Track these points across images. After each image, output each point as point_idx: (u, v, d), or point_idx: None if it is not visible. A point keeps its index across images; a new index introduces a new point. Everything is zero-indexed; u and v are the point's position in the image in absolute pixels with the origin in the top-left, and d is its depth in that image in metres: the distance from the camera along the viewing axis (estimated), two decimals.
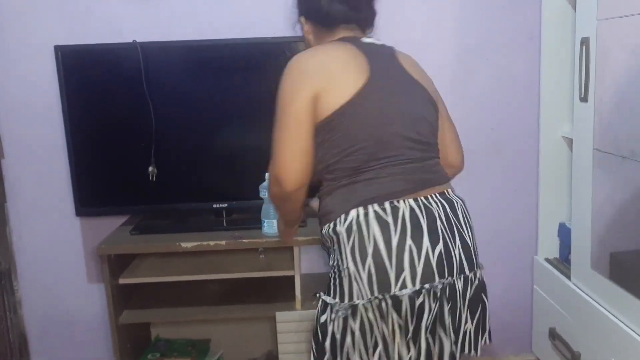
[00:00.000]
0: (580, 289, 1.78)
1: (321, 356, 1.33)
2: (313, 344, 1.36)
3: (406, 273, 1.23)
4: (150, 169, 1.88)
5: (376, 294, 1.24)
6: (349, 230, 1.27)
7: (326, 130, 1.30)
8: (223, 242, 1.79)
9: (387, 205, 1.26)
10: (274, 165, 1.32)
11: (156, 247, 1.81)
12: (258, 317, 1.91)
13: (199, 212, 2.00)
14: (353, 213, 1.27)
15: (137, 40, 1.84)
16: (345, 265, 1.27)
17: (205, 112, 1.90)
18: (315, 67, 1.32)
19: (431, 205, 1.29)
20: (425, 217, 1.27)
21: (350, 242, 1.27)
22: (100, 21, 1.98)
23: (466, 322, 1.32)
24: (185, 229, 1.91)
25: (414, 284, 1.23)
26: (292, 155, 1.29)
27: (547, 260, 2.08)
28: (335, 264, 1.32)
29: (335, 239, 1.31)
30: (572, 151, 1.84)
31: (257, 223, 1.92)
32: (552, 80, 1.99)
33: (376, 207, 1.26)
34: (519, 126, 2.12)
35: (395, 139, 1.31)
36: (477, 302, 1.34)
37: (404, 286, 1.23)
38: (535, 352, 2.16)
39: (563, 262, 2.02)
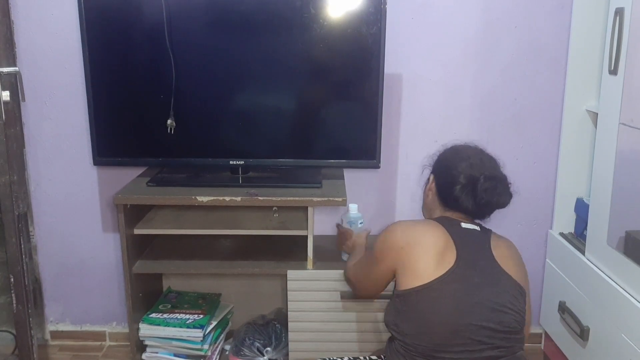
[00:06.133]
0: (594, 264, 1.77)
1: None
2: None
3: None
4: (168, 121, 1.87)
5: None
6: None
7: (402, 303, 1.40)
8: (238, 199, 1.80)
9: None
10: (351, 273, 1.70)
11: (172, 199, 1.81)
12: (269, 274, 1.93)
13: (215, 167, 2.00)
14: None
15: None
16: None
17: (227, 67, 1.88)
18: (403, 244, 1.44)
19: None
20: None
21: None
22: None
23: None
24: (201, 184, 1.91)
25: None
26: (369, 286, 1.59)
27: (562, 234, 2.06)
28: None
29: None
30: (595, 126, 1.80)
31: (272, 182, 1.92)
32: (581, 51, 1.94)
33: None
34: (543, 98, 2.08)
35: (470, 329, 1.35)
36: None
37: None
38: (542, 325, 2.17)
39: (578, 237, 2.00)
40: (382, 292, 1.61)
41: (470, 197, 1.48)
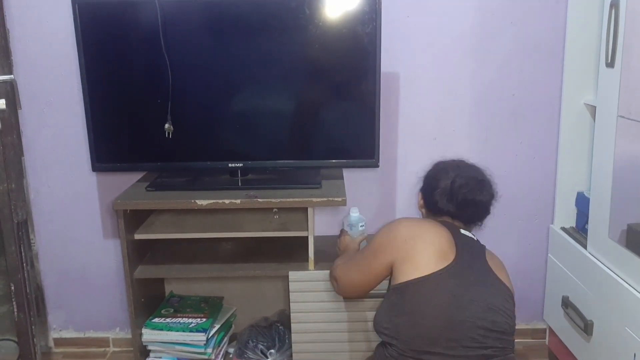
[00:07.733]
0: (596, 258, 1.76)
1: None
2: None
3: None
4: (166, 126, 1.87)
5: None
6: None
7: (399, 296, 1.43)
8: (238, 201, 1.79)
9: None
10: (339, 270, 1.67)
11: (172, 203, 1.81)
12: (271, 275, 1.92)
13: (214, 171, 2.00)
14: None
15: None
16: None
17: (223, 71, 1.87)
18: (407, 237, 1.47)
19: None
20: None
21: None
22: None
23: None
24: (200, 187, 1.91)
25: None
26: (357, 283, 1.60)
27: (563, 229, 2.06)
28: None
29: None
30: (594, 119, 1.80)
31: (271, 183, 1.92)
32: (578, 45, 1.94)
33: None
34: (541, 92, 2.08)
35: (465, 325, 1.37)
36: None
37: None
38: (546, 320, 2.16)
39: (579, 232, 2.00)
40: (372, 292, 1.62)
41: (448, 198, 1.56)
